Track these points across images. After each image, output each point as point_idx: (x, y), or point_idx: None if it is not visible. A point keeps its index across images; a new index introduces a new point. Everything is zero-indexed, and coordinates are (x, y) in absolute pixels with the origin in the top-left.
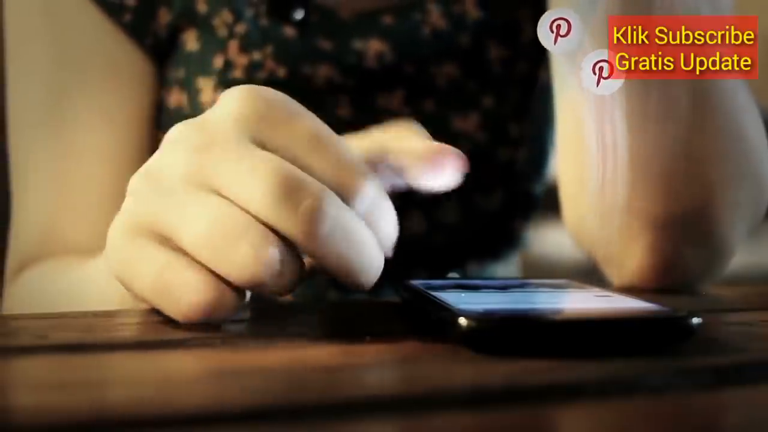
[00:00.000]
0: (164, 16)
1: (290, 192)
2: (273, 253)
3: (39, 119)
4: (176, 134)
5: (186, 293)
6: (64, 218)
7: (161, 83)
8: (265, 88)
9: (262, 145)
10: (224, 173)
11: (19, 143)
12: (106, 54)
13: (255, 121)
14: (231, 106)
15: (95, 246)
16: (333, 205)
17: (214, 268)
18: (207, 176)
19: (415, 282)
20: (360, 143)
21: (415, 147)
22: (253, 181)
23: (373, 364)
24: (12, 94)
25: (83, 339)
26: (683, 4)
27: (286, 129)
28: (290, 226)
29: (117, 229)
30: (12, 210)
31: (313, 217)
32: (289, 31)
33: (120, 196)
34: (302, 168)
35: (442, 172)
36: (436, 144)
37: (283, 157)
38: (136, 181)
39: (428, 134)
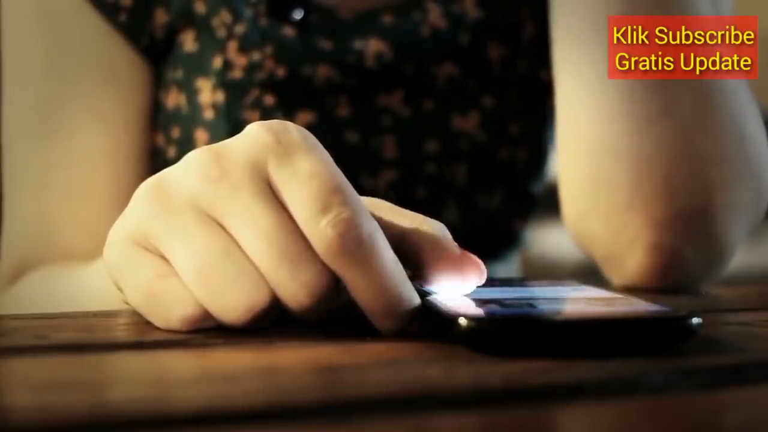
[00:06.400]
0: (161, 17)
1: (289, 261)
2: (262, 302)
3: (33, 123)
4: (194, 157)
5: (175, 305)
6: (62, 223)
7: (158, 84)
8: (292, 126)
9: (274, 187)
10: (230, 211)
11: (12, 148)
12: (101, 56)
13: (270, 162)
14: (251, 141)
15: (95, 249)
16: (329, 278)
17: (201, 302)
18: (213, 207)
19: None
20: (375, 214)
21: (438, 246)
22: (256, 237)
23: (373, 364)
24: (6, 97)
25: (83, 339)
26: (683, 4)
27: (298, 182)
28: (285, 291)
29: (117, 233)
30: (4, 217)
31: (309, 293)
32: (289, 31)
33: (118, 198)
34: (306, 220)
35: (462, 280)
36: (460, 251)
37: (291, 203)
38: (145, 189)
39: (449, 234)
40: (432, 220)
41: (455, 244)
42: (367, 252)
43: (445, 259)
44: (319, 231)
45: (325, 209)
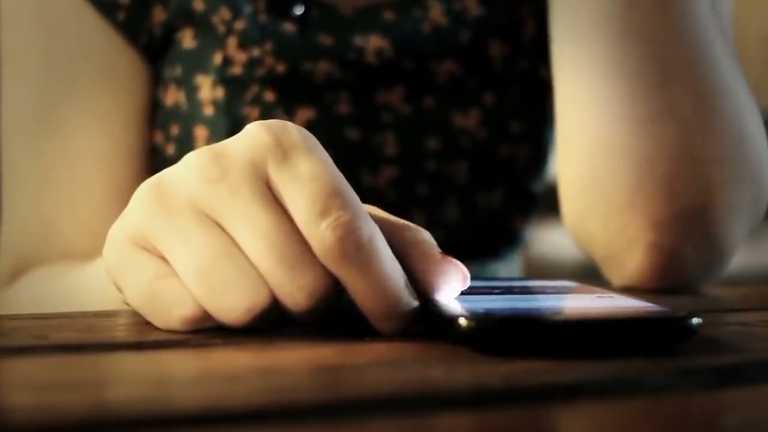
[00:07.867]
0: (159, 15)
1: (288, 263)
2: (262, 303)
3: (32, 122)
4: (193, 158)
5: (175, 305)
6: (61, 222)
7: (156, 82)
8: (292, 126)
9: (274, 189)
10: (229, 212)
11: (11, 148)
12: (99, 55)
13: (270, 163)
14: (251, 141)
15: (94, 248)
16: (328, 280)
17: (201, 303)
18: (212, 208)
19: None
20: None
21: (421, 251)
22: (255, 238)
23: (373, 364)
24: (5, 97)
25: (83, 339)
26: (683, 4)
27: (298, 184)
28: (284, 293)
29: (117, 233)
30: (3, 217)
31: (308, 294)
32: (289, 27)
33: (117, 197)
34: (305, 223)
35: (445, 285)
36: (443, 256)
37: (291, 205)
38: (144, 189)
39: (433, 240)
40: (419, 227)
41: (438, 248)
42: (366, 255)
43: (428, 261)
44: (319, 234)
45: (324, 212)
